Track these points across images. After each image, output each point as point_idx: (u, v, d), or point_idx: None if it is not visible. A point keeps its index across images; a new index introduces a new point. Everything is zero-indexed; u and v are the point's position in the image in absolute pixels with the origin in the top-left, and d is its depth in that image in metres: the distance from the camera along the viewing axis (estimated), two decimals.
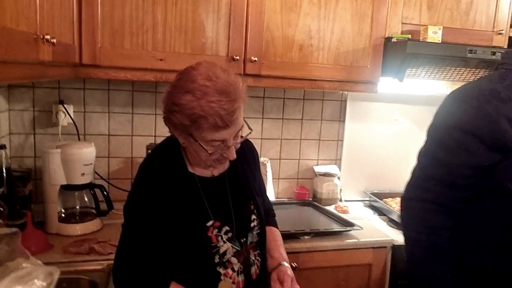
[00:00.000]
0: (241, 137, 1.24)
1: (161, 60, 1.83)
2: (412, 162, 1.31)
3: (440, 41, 2.07)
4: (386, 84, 2.32)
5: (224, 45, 1.91)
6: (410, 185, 1.30)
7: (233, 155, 1.20)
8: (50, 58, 1.21)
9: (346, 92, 2.49)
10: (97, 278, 1.47)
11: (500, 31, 2.24)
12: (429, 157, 1.26)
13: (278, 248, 1.41)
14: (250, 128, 1.23)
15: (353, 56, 2.09)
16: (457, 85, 2.44)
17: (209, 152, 1.16)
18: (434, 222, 1.22)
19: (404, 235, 1.30)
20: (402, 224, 1.31)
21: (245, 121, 1.20)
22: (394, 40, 2.08)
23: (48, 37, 1.13)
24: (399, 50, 2.03)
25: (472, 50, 2.03)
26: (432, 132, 1.29)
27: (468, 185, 1.21)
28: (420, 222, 1.24)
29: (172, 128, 1.19)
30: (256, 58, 1.93)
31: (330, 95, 2.50)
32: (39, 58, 1.13)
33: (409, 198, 1.29)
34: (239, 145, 1.23)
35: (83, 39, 1.73)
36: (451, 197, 1.22)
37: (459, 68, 2.15)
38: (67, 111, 2.09)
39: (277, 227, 1.51)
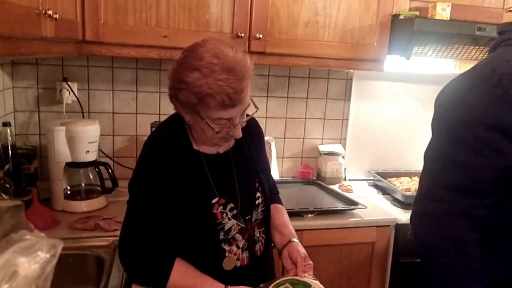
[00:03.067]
0: (247, 115, 1.23)
1: (165, 37, 1.81)
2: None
3: (448, 19, 2.03)
4: (392, 62, 2.29)
5: (229, 22, 1.88)
6: (422, 198, 1.08)
7: (239, 134, 1.19)
8: (52, 34, 1.20)
9: (352, 71, 2.46)
10: (102, 254, 1.48)
11: (510, 8, 2.19)
12: (443, 160, 1.05)
13: (287, 224, 1.41)
14: (256, 107, 1.21)
15: (360, 34, 2.06)
16: (466, 64, 2.45)
17: (215, 130, 1.15)
18: (463, 239, 1.01)
19: (427, 261, 1.06)
20: (422, 249, 1.07)
21: (251, 99, 1.18)
22: (401, 17, 2.04)
23: (50, 12, 1.12)
24: (407, 28, 1.99)
25: (481, 28, 1.99)
26: (444, 128, 1.07)
27: (494, 190, 1.01)
28: (446, 242, 1.02)
29: (178, 106, 1.18)
30: (261, 35, 1.90)
31: (336, 73, 2.47)
32: (41, 34, 1.11)
33: (424, 214, 1.06)
34: (245, 124, 1.22)
35: (86, 15, 1.71)
36: (475, 205, 1.01)
37: (467, 46, 2.12)
38: (71, 88, 2.08)
39: (281, 204, 1.52)
